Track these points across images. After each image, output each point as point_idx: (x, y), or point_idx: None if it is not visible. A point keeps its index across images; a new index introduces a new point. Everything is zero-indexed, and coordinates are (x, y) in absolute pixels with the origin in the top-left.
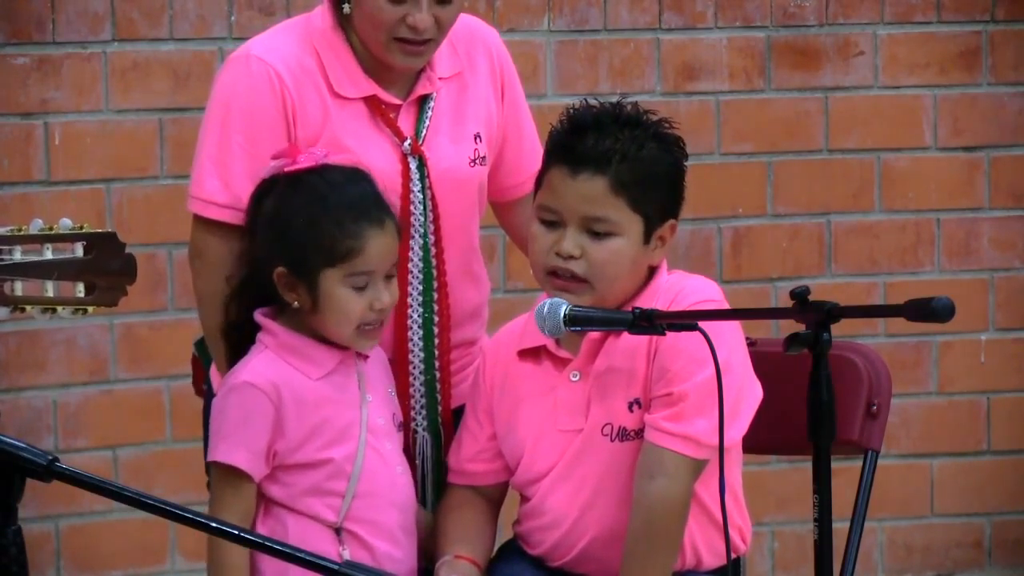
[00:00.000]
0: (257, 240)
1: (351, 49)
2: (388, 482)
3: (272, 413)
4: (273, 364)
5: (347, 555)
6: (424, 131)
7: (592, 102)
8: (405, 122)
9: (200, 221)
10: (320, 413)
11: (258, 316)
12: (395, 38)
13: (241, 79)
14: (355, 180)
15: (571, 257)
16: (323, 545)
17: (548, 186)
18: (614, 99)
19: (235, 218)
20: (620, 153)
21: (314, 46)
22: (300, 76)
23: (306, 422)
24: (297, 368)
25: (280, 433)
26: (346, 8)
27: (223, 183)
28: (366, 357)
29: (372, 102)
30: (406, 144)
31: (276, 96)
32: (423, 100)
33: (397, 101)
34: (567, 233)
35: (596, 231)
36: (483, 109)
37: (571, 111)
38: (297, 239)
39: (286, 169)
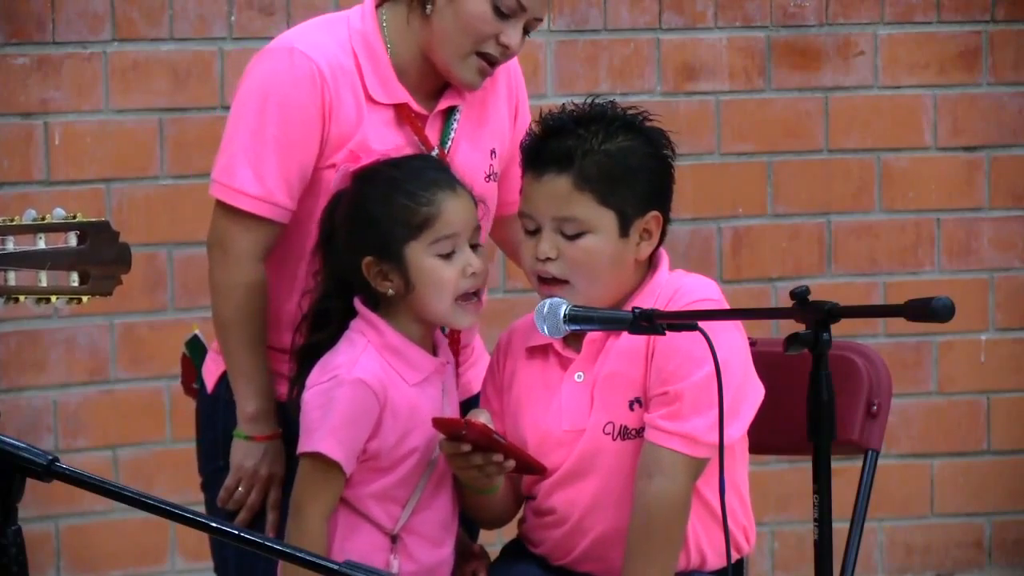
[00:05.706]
0: (338, 246)
1: (388, 54)
2: (442, 499)
3: (377, 415)
4: (379, 364)
5: (396, 565)
6: (449, 142)
7: (568, 106)
8: (431, 132)
9: (225, 209)
10: (411, 421)
11: (359, 306)
12: (478, 52)
13: (283, 70)
14: (420, 157)
15: (548, 259)
16: (372, 550)
17: (522, 193)
18: (614, 99)
19: (265, 211)
20: (582, 149)
21: (352, 47)
22: (339, 75)
23: (399, 428)
24: (397, 371)
25: (375, 434)
26: (428, 9)
27: (256, 175)
28: (448, 364)
29: (403, 110)
30: (433, 153)
31: (316, 92)
32: (449, 112)
33: (425, 111)
34: (542, 236)
35: (568, 231)
36: (499, 126)
37: (542, 116)
38: (375, 221)
39: (352, 169)
